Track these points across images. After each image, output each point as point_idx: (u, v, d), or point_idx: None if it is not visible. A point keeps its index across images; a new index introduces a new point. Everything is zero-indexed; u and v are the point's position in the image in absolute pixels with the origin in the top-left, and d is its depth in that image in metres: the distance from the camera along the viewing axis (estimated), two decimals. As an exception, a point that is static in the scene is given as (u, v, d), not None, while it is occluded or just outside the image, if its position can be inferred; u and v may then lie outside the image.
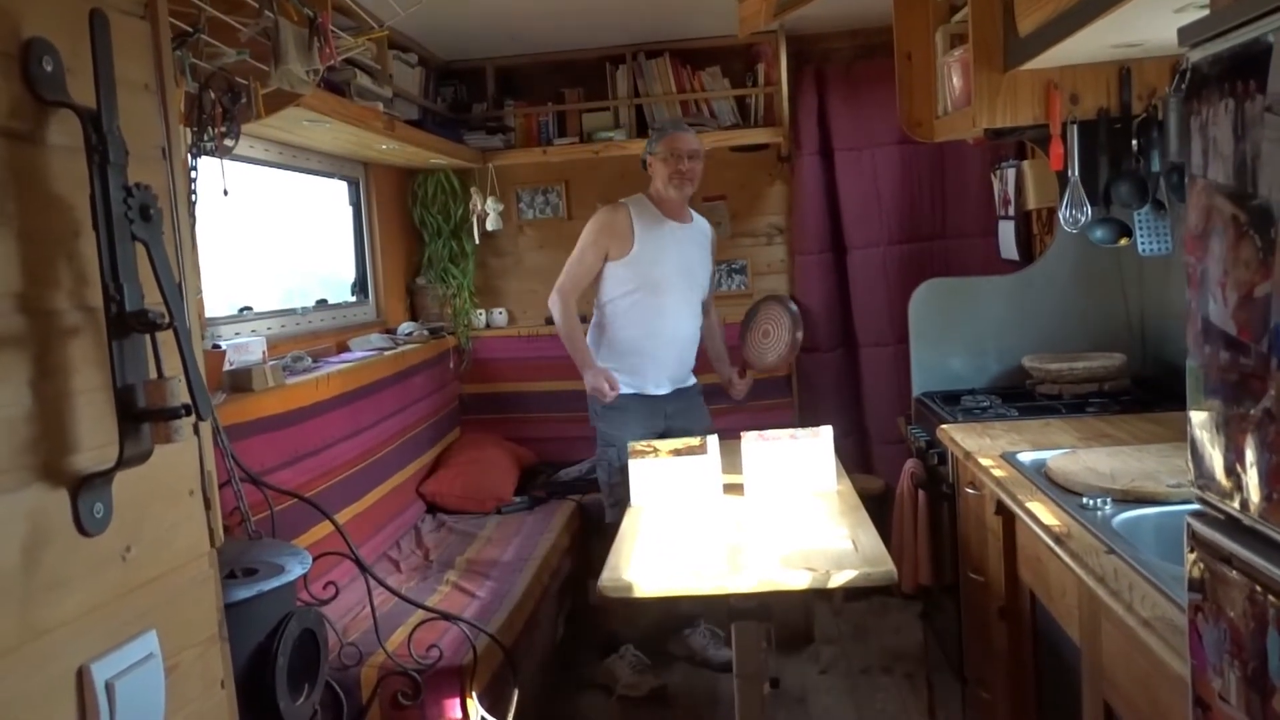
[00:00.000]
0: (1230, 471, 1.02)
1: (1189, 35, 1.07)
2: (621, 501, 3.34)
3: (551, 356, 4.16)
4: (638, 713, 3.36)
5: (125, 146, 1.08)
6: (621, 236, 3.38)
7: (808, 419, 4.11)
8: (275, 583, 1.82)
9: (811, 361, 4.43)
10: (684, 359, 3.51)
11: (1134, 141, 2.51)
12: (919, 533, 2.84)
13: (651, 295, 3.39)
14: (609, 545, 2.47)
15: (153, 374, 1.10)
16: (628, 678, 3.45)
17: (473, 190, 4.37)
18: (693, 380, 3.58)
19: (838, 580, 2.15)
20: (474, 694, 2.41)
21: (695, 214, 3.58)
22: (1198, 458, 1.09)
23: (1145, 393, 2.86)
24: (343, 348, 3.71)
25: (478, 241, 4.42)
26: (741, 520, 2.61)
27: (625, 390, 3.38)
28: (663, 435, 3.33)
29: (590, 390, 3.39)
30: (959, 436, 2.53)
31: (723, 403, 3.71)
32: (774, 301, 3.64)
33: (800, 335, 3.52)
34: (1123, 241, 2.69)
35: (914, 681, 3.39)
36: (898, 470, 3.08)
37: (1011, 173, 3.64)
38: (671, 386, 3.48)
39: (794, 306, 3.60)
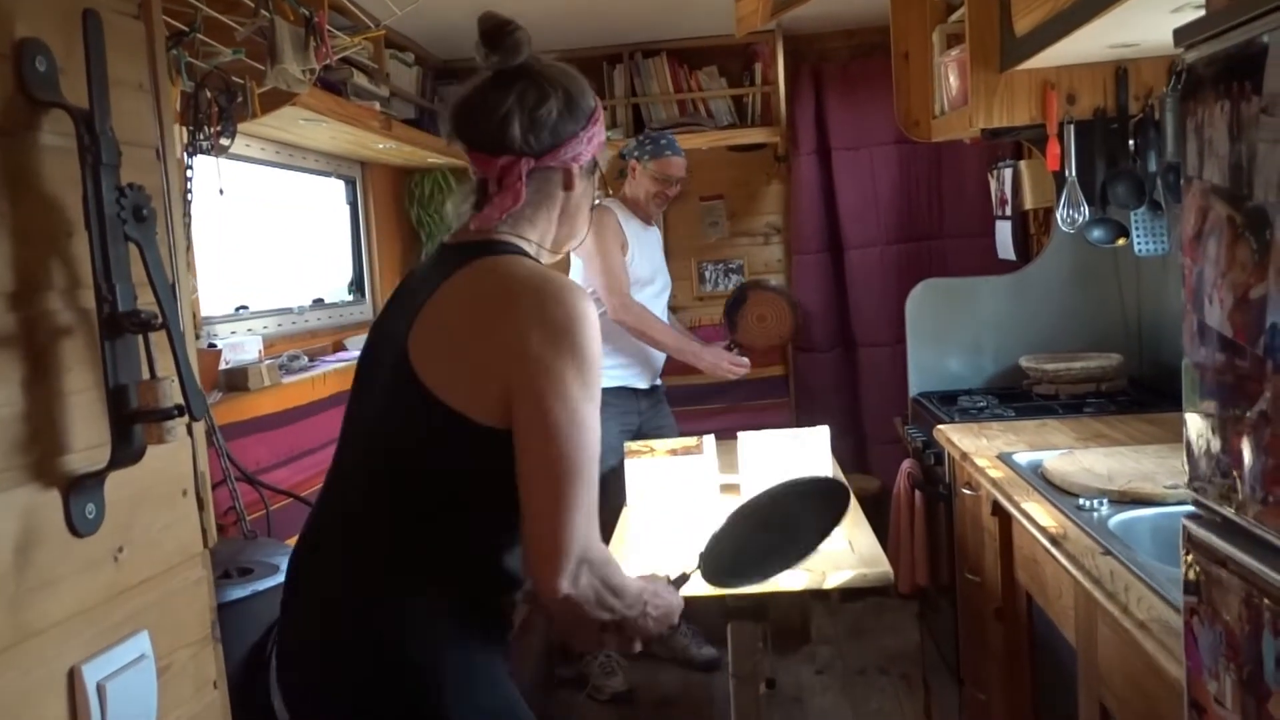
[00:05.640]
0: (1226, 473, 1.02)
1: (1185, 36, 1.07)
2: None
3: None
4: (634, 714, 3.36)
5: (118, 147, 1.08)
6: (620, 235, 3.44)
7: (804, 419, 4.10)
8: (270, 582, 1.82)
9: (808, 361, 4.43)
10: (660, 356, 3.58)
11: (1130, 142, 2.51)
12: (915, 533, 2.84)
13: (638, 292, 3.46)
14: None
15: (146, 374, 1.09)
16: (596, 679, 3.45)
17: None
18: (660, 380, 3.67)
19: (834, 581, 2.15)
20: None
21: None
22: (1194, 459, 1.09)
23: (1142, 393, 2.86)
24: (339, 347, 3.70)
25: (475, 241, 4.40)
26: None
27: (611, 384, 3.41)
28: (637, 433, 3.40)
29: (718, 370, 3.48)
30: (956, 437, 2.52)
31: (720, 403, 3.72)
32: (761, 288, 3.69)
33: (800, 318, 3.58)
34: (1120, 242, 2.69)
35: (910, 682, 3.39)
36: (894, 470, 3.08)
37: (1008, 173, 3.64)
38: (650, 382, 3.56)
39: (785, 288, 3.66)
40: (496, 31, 1.39)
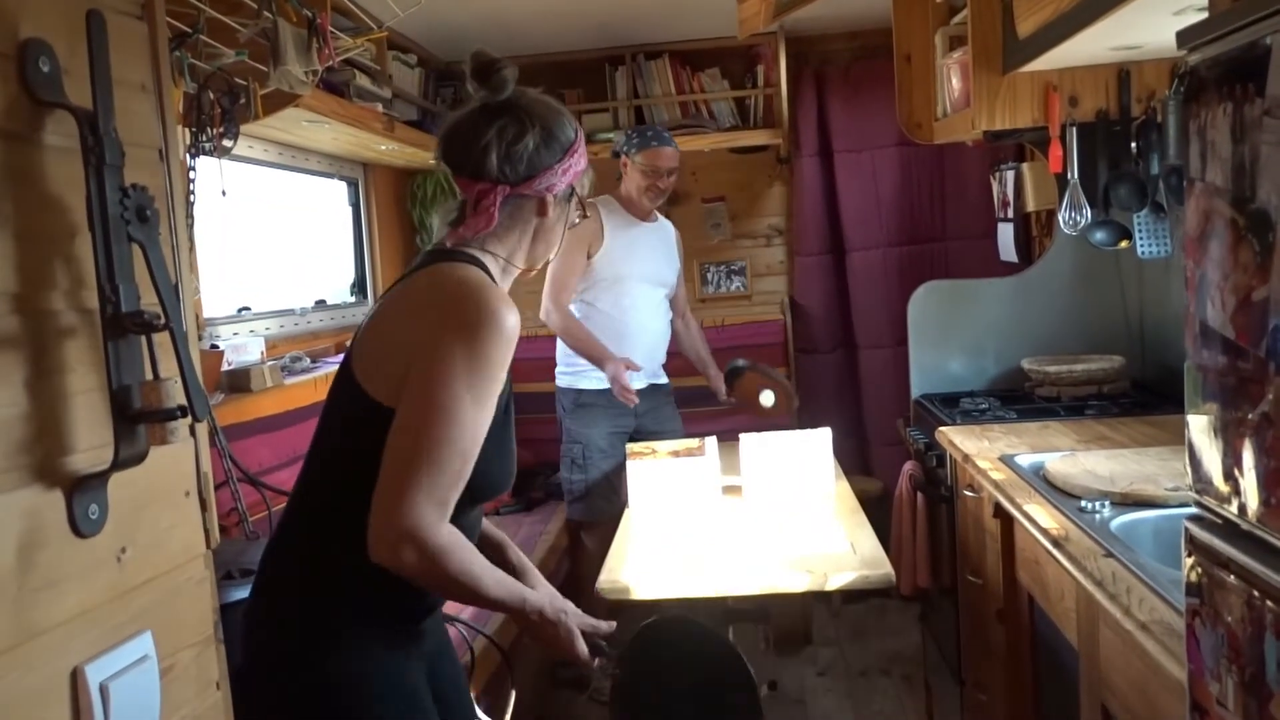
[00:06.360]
0: (1228, 475, 1.02)
1: (1188, 38, 1.07)
2: (583, 499, 3.37)
3: (549, 358, 4.16)
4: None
5: (121, 147, 1.08)
6: (594, 234, 3.38)
7: (806, 420, 4.10)
8: (272, 584, 1.81)
9: (810, 363, 4.43)
10: (654, 353, 3.52)
11: (1133, 144, 2.51)
12: (917, 535, 2.84)
13: (615, 291, 3.40)
14: (601, 547, 2.46)
15: (149, 375, 1.09)
16: (597, 680, 3.45)
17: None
18: (664, 379, 3.59)
19: (836, 583, 2.15)
20: (472, 695, 2.41)
21: (659, 215, 3.61)
22: (1196, 461, 1.09)
23: (1144, 395, 2.86)
24: (341, 348, 3.70)
25: (477, 242, 4.40)
26: (740, 522, 2.60)
27: (598, 386, 3.38)
28: (633, 435, 3.36)
29: (614, 381, 3.27)
30: (958, 439, 2.52)
31: (721, 404, 3.71)
32: (755, 371, 3.54)
33: (795, 403, 3.53)
34: (1123, 244, 2.68)
35: (912, 683, 3.39)
36: (896, 472, 3.08)
37: (1010, 175, 3.64)
38: (644, 381, 3.46)
39: (782, 378, 3.60)
40: (485, 69, 1.49)
